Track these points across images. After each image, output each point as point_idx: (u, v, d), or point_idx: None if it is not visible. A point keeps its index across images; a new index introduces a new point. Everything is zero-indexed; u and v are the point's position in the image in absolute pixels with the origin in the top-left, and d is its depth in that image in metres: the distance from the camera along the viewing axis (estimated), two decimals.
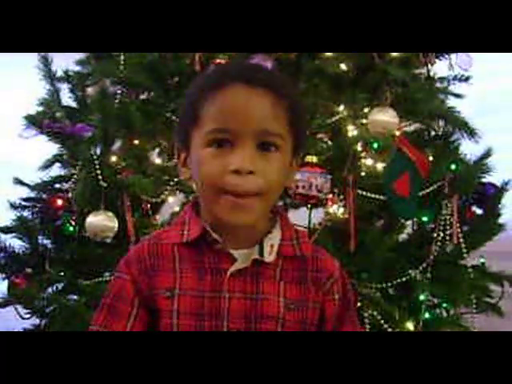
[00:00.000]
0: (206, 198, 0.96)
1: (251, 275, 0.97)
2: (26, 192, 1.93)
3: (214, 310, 0.96)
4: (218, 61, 1.69)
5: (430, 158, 1.82)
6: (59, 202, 1.81)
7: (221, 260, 0.97)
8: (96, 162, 1.66)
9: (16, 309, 1.74)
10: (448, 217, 1.78)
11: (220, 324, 0.96)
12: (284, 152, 0.96)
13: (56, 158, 1.90)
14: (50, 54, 1.86)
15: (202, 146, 0.94)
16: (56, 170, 1.92)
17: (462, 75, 1.93)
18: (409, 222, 1.89)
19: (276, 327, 0.97)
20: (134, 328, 0.99)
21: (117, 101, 1.72)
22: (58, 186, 1.91)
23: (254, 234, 0.99)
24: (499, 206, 1.87)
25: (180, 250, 0.99)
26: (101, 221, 1.65)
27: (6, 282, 1.81)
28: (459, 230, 1.79)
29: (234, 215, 0.93)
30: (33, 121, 1.83)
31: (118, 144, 1.80)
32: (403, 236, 1.91)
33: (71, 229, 1.75)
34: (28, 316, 1.73)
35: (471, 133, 1.79)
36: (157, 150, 1.93)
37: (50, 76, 1.87)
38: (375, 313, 1.63)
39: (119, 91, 1.73)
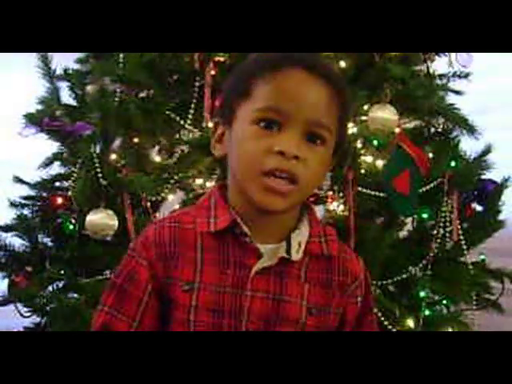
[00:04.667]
0: (242, 177, 0.92)
1: (275, 274, 0.94)
2: (25, 190, 1.92)
3: (235, 307, 0.92)
4: (217, 59, 1.69)
5: (430, 155, 1.82)
6: (59, 200, 1.81)
7: (246, 254, 0.93)
8: (96, 160, 1.66)
9: (16, 307, 1.74)
10: (448, 214, 1.78)
11: (239, 324, 0.93)
12: (328, 147, 0.93)
13: (56, 157, 1.90)
14: (50, 53, 1.86)
15: (249, 122, 0.91)
16: (56, 169, 1.92)
17: (462, 72, 1.93)
18: (409, 219, 1.88)
19: (295, 331, 0.95)
20: (145, 316, 0.95)
21: (116, 99, 1.72)
22: (57, 184, 1.91)
23: (282, 228, 0.96)
24: (499, 202, 1.87)
25: (204, 238, 0.94)
26: (101, 219, 1.65)
27: (6, 281, 1.81)
28: (459, 227, 1.79)
29: (270, 198, 0.89)
30: (32, 119, 1.83)
31: (117, 142, 1.80)
32: (403, 233, 1.91)
33: (71, 227, 1.75)
34: (28, 314, 1.73)
35: (471, 129, 1.79)
36: (157, 147, 1.93)
37: (50, 74, 1.87)
38: (375, 310, 1.63)
39: (119, 89, 1.73)
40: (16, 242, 1.84)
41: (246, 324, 0.93)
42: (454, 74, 1.93)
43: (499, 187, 1.86)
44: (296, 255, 0.95)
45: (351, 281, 1.00)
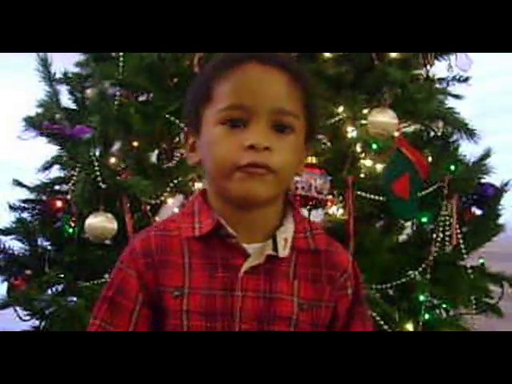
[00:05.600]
0: (218, 177, 0.93)
1: (264, 272, 0.94)
2: (25, 194, 1.92)
3: (226, 309, 0.93)
4: None
5: (430, 159, 1.82)
6: (58, 203, 1.81)
7: (233, 255, 0.93)
8: (95, 163, 1.66)
9: (15, 311, 1.74)
10: (447, 218, 1.78)
11: (232, 325, 0.93)
12: (298, 134, 0.94)
13: (55, 160, 1.90)
14: (50, 56, 1.86)
15: (214, 123, 0.91)
16: (55, 172, 1.92)
17: (461, 76, 1.93)
18: (408, 223, 1.89)
19: (288, 328, 0.95)
20: (138, 327, 0.95)
21: (116, 102, 1.72)
22: (57, 187, 1.91)
23: (267, 226, 0.96)
24: (499, 206, 1.87)
25: (190, 243, 0.95)
26: (100, 222, 1.65)
27: (5, 284, 1.81)
28: (459, 231, 1.79)
29: (248, 187, 0.90)
30: (32, 122, 1.83)
31: (117, 146, 1.80)
32: (403, 237, 1.91)
33: (70, 230, 1.75)
34: (27, 318, 1.73)
35: (470, 133, 1.79)
36: (156, 151, 1.93)
37: (49, 78, 1.87)
38: (375, 314, 1.63)
39: (118, 93, 1.73)
40: (15, 245, 1.84)
41: (239, 325, 0.93)
42: (454, 78, 1.93)
43: (499, 191, 1.87)
44: (283, 252, 0.95)
45: (340, 274, 1.00)
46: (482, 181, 1.86)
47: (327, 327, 0.99)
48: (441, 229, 1.77)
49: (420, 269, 1.75)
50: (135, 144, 1.81)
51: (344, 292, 1.00)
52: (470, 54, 1.88)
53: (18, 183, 1.94)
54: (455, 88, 1.95)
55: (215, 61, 0.98)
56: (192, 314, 0.93)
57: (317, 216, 1.73)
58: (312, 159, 1.63)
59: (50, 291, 1.76)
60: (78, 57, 1.99)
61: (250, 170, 0.89)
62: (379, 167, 1.76)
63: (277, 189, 0.93)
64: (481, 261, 1.87)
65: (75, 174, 1.74)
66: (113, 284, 0.98)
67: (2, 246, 1.83)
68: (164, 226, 0.98)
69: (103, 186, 1.65)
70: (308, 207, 1.67)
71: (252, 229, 0.96)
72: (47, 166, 1.91)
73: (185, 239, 0.95)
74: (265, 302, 0.94)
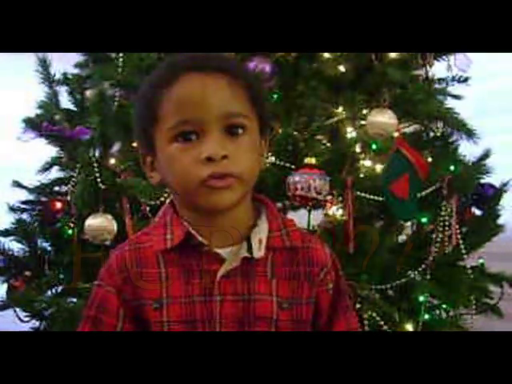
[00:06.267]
0: (184, 194, 0.93)
1: (242, 274, 0.94)
2: (24, 195, 1.92)
3: (206, 314, 0.94)
4: None
5: (429, 159, 1.82)
6: (58, 204, 1.81)
7: (208, 261, 0.94)
8: (95, 164, 1.66)
9: (15, 312, 1.74)
10: (447, 218, 1.78)
11: (213, 329, 0.94)
12: (251, 132, 0.93)
13: (55, 161, 1.90)
14: (49, 57, 1.86)
15: (167, 142, 0.91)
16: (55, 173, 1.92)
17: (461, 76, 1.93)
18: (408, 224, 1.88)
19: (269, 328, 0.95)
20: None
21: (115, 103, 1.72)
22: (56, 188, 1.91)
23: (239, 228, 0.96)
24: (498, 206, 1.87)
25: (164, 254, 0.95)
26: (100, 223, 1.65)
27: (5, 285, 1.81)
28: (458, 231, 1.79)
29: (215, 200, 0.90)
30: (32, 124, 1.83)
31: (116, 146, 1.80)
32: (402, 237, 1.91)
33: (70, 231, 1.75)
34: (27, 319, 1.73)
35: (470, 134, 1.79)
36: None
37: (49, 79, 1.87)
38: (374, 314, 1.63)
39: (118, 94, 1.73)
40: (15, 246, 1.84)
41: (219, 329, 0.94)
42: (453, 79, 1.93)
43: (498, 191, 1.87)
44: (258, 253, 0.95)
45: (319, 270, 0.99)
46: (482, 181, 1.86)
47: (311, 324, 1.00)
48: (440, 229, 1.77)
49: (420, 269, 1.75)
50: (135, 145, 1.81)
51: (324, 287, 1.00)
52: (470, 54, 1.88)
53: (18, 184, 1.94)
54: (455, 88, 1.95)
55: (151, 79, 0.97)
56: (172, 324, 0.94)
57: (316, 216, 1.73)
58: (311, 160, 1.63)
59: (49, 292, 1.76)
60: (77, 58, 1.99)
61: (214, 183, 0.89)
62: (379, 168, 1.76)
63: (243, 191, 0.93)
64: (481, 261, 1.87)
65: (75, 175, 1.74)
66: (94, 302, 0.99)
67: (1, 247, 1.83)
68: (138, 240, 0.99)
69: (103, 186, 1.65)
70: (307, 208, 1.67)
71: (224, 233, 0.95)
72: (47, 167, 1.91)
73: (159, 250, 0.96)
74: (244, 304, 0.94)
